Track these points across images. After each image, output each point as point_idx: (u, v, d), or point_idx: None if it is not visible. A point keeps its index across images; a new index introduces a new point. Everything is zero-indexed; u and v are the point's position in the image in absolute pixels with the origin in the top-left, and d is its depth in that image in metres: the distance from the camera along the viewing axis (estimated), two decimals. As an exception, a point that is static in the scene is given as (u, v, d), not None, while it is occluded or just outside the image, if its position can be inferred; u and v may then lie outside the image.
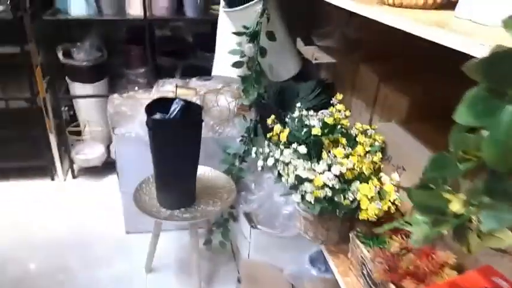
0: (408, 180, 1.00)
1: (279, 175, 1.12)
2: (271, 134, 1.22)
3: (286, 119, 1.23)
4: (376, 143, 1.09)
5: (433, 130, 1.10)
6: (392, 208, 0.97)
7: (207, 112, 2.05)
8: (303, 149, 1.11)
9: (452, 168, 0.42)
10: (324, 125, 1.11)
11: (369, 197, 0.96)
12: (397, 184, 1.03)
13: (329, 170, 1.02)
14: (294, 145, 1.11)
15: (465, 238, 0.51)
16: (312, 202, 1.00)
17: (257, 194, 1.74)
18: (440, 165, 0.44)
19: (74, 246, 1.98)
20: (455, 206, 0.43)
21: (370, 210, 0.95)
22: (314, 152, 1.11)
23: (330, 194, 0.98)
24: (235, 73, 1.62)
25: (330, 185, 0.98)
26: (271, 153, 1.17)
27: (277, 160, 1.13)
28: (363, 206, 0.97)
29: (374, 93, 1.31)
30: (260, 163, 1.16)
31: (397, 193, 0.99)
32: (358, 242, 1.02)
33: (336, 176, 1.00)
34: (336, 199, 0.99)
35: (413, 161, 0.98)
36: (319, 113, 1.19)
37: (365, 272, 1.00)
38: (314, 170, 1.02)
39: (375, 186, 0.97)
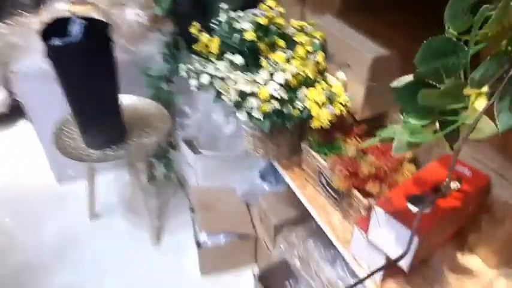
0: (355, 77, 0.91)
1: (218, 93, 0.98)
2: (198, 45, 1.04)
3: (213, 25, 1.05)
4: (316, 41, 0.97)
5: (373, 20, 1.00)
6: (344, 110, 0.89)
7: (115, 30, 1.78)
8: (239, 59, 0.96)
9: (459, 53, 0.31)
10: (258, 27, 0.96)
11: (319, 102, 0.87)
12: (344, 83, 0.94)
13: (272, 79, 0.90)
14: (228, 55, 0.96)
15: (457, 136, 0.44)
16: (261, 118, 0.88)
17: (193, 117, 1.60)
18: (441, 52, 0.33)
19: (5, 205, 1.76)
20: (480, 102, 0.34)
21: (323, 116, 0.86)
22: (251, 61, 0.98)
23: (278, 106, 0.87)
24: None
25: (277, 96, 0.86)
26: (203, 69, 1.01)
27: (212, 76, 0.98)
28: (313, 114, 0.87)
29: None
30: (194, 82, 1.00)
31: (346, 93, 0.90)
32: (313, 152, 0.95)
33: (281, 85, 0.89)
34: (284, 111, 0.89)
35: (358, 55, 0.89)
36: (249, 13, 1.03)
37: (323, 181, 0.95)
38: (256, 82, 0.89)
39: (323, 90, 0.87)
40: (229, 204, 1.59)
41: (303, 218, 1.31)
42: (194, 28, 1.02)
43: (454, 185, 0.75)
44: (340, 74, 0.94)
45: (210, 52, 1.02)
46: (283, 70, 0.90)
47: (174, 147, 1.68)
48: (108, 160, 1.39)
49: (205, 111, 1.56)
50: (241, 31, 0.98)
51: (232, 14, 1.01)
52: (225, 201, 1.59)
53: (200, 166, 1.55)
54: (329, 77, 0.96)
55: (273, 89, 0.87)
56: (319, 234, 1.18)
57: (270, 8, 0.97)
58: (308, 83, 0.92)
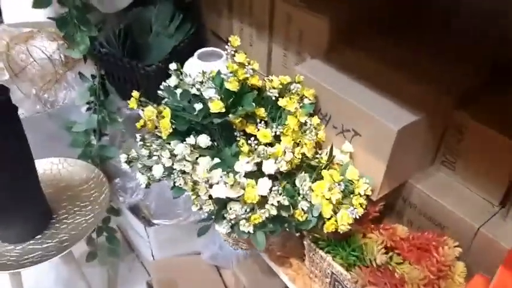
0: (369, 150, 0.67)
1: (178, 189, 0.70)
2: (140, 123, 0.74)
3: (159, 93, 0.75)
4: (307, 101, 0.72)
5: (372, 54, 0.77)
6: (364, 204, 0.65)
7: (20, 76, 1.38)
8: (204, 140, 0.68)
9: None
10: (226, 93, 0.68)
11: (333, 200, 0.62)
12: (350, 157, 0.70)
13: (259, 171, 0.63)
14: (190, 139, 0.68)
15: None
16: (251, 231, 0.62)
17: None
18: None
19: None
20: None
21: (342, 221, 0.61)
22: (223, 142, 0.70)
23: (274, 212, 0.61)
24: (41, 15, 1.01)
25: (274, 202, 0.60)
26: (153, 156, 0.72)
27: (168, 169, 0.69)
28: (325, 215, 0.62)
29: (268, 11, 0.88)
30: (142, 179, 0.71)
31: (362, 177, 0.66)
32: (321, 253, 0.71)
33: (273, 177, 0.63)
34: (283, 214, 0.63)
35: (374, 124, 0.65)
36: (206, 70, 0.74)
37: (342, 290, 0.71)
38: (237, 183, 0.61)
39: (337, 183, 0.62)
40: (197, 272, 1.31)
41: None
42: (133, 101, 0.72)
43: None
44: (347, 147, 0.69)
45: (158, 130, 0.73)
46: (274, 155, 0.63)
47: (117, 213, 1.35)
48: (32, 264, 1.04)
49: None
50: (203, 100, 0.69)
51: (188, 78, 0.72)
52: (191, 270, 1.31)
53: (154, 238, 1.25)
54: (326, 151, 0.71)
55: (266, 190, 0.61)
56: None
57: (241, 65, 0.69)
58: (306, 165, 0.67)
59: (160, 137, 0.75)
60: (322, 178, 0.64)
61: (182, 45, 1.06)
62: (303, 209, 0.63)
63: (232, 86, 0.67)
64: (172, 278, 1.26)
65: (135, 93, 0.73)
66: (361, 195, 0.63)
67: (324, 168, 0.65)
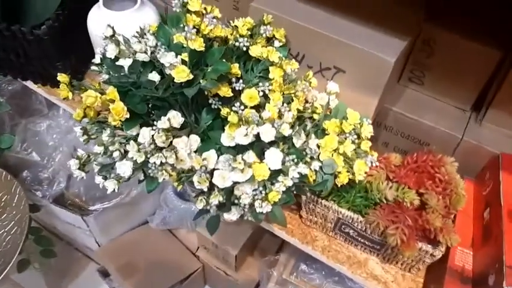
0: (358, 86, 0.62)
1: (150, 181, 0.57)
2: (78, 114, 0.56)
3: (96, 67, 0.56)
4: (277, 44, 0.61)
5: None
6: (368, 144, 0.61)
7: None
8: (177, 118, 0.55)
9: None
10: (191, 55, 0.54)
11: (348, 153, 0.56)
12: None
13: (258, 140, 0.54)
14: (162, 122, 0.53)
15: None
16: (269, 210, 0.54)
17: (52, 162, 1.05)
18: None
19: None
20: None
21: (359, 171, 0.57)
22: (194, 114, 0.57)
23: (290, 183, 0.54)
24: None
25: (295, 175, 0.52)
26: (108, 148, 0.56)
27: (141, 163, 0.55)
28: (340, 170, 0.57)
29: None
30: (110, 184, 0.56)
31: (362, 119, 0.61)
32: (326, 202, 0.67)
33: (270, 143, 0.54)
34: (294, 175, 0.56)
35: (365, 57, 0.58)
36: (123, 21, 0.58)
37: (350, 231, 0.69)
38: (246, 158, 0.51)
39: (347, 133, 0.56)
40: (153, 245, 1.21)
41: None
42: (64, 89, 0.53)
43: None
44: (333, 86, 0.62)
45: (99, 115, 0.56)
46: (269, 120, 0.54)
47: (36, 209, 1.12)
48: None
49: (68, 149, 1.03)
50: (157, 68, 0.54)
51: (134, 40, 0.55)
52: (145, 244, 1.20)
53: (95, 225, 1.08)
54: (312, 93, 0.63)
55: (279, 162, 0.52)
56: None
57: (202, 14, 0.54)
58: (304, 118, 0.59)
59: (106, 125, 0.59)
60: (323, 130, 0.58)
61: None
62: (315, 170, 0.56)
63: (198, 45, 0.53)
64: (128, 258, 1.14)
65: (63, 77, 0.54)
66: (368, 139, 0.59)
67: (325, 118, 0.58)
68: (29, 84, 0.90)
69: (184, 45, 0.53)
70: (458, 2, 0.68)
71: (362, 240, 0.69)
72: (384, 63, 0.57)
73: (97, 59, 0.57)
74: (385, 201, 0.64)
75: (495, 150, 0.68)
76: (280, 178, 0.53)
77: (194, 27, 0.52)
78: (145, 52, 0.54)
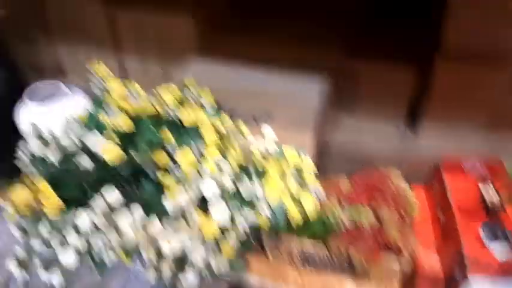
0: (290, 130, 0.65)
1: (101, 264, 0.56)
2: (12, 214, 0.56)
3: (22, 168, 0.57)
4: (208, 107, 0.64)
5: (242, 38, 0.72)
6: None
7: None
8: (116, 196, 0.55)
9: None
10: (121, 135, 0.55)
11: (292, 190, 0.58)
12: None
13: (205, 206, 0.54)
14: (97, 204, 0.53)
15: None
16: (227, 264, 0.54)
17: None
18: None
19: None
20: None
21: (308, 206, 0.58)
22: (129, 185, 0.58)
23: (242, 232, 0.54)
24: None
25: (225, 224, 0.53)
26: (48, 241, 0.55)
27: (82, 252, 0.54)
28: (289, 207, 0.59)
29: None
30: (55, 279, 0.55)
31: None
32: (290, 241, 0.67)
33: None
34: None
35: (275, 96, 0.62)
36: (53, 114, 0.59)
37: (316, 259, 0.69)
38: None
39: (289, 172, 0.58)
40: None
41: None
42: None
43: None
44: (268, 131, 0.65)
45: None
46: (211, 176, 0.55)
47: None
48: None
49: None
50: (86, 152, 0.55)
51: (62, 135, 0.56)
52: None
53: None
54: (247, 140, 0.66)
55: (226, 216, 0.53)
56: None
57: (120, 95, 0.56)
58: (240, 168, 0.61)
59: (39, 216, 0.58)
60: (264, 174, 0.60)
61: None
62: (266, 215, 0.57)
63: (126, 124, 0.54)
64: None
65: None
66: (310, 173, 0.61)
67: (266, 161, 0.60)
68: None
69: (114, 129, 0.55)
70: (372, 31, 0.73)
71: (331, 265, 0.69)
72: (308, 103, 0.60)
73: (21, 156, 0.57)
74: (342, 226, 0.65)
75: (435, 154, 0.71)
76: (231, 230, 0.54)
77: (120, 108, 0.54)
78: (75, 143, 0.55)
